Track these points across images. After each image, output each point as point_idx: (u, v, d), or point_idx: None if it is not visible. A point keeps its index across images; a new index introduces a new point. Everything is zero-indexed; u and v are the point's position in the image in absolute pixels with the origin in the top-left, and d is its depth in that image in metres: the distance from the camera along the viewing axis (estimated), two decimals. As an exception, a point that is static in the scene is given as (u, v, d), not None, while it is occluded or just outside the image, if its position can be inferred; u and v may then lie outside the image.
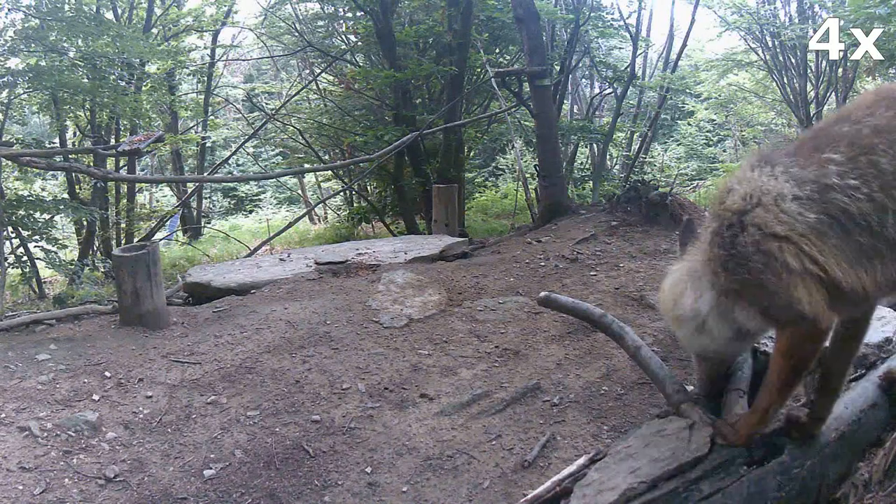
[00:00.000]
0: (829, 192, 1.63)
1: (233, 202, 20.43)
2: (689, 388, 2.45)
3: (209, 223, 15.71)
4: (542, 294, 3.03)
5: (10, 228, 7.05)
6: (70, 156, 7.67)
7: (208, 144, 16.85)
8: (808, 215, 1.63)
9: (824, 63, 12.16)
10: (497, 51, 11.95)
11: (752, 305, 1.74)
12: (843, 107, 1.89)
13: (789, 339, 1.73)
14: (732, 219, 1.72)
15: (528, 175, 10.81)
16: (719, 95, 16.34)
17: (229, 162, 16.49)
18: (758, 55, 13.28)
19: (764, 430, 1.91)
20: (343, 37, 12.77)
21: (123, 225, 11.42)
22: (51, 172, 11.15)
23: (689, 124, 18.90)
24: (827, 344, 1.93)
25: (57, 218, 8.33)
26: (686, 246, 2.12)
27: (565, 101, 13.26)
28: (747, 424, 1.90)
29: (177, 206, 13.48)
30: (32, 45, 7.52)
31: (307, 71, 14.03)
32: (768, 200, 1.67)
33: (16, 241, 7.91)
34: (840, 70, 11.86)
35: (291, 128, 13.25)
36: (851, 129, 1.66)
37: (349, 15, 12.01)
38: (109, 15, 11.10)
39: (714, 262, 1.77)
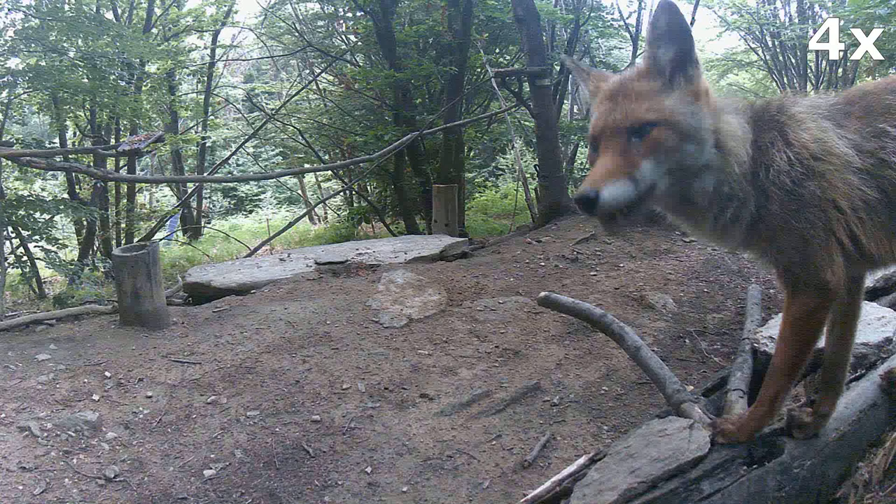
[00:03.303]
0: (885, 168, 1.61)
1: (233, 202, 20.43)
2: (689, 388, 2.45)
3: (209, 223, 15.70)
4: (542, 294, 3.04)
5: (10, 228, 7.04)
6: (70, 156, 7.67)
7: (208, 144, 16.84)
8: (868, 192, 1.61)
9: (824, 63, 12.16)
10: (497, 51, 11.94)
11: (781, 251, 1.67)
12: (890, 76, 1.84)
13: (802, 307, 1.70)
14: (807, 160, 1.62)
15: (528, 175, 10.80)
16: (719, 95, 16.33)
17: (229, 162, 16.47)
18: (758, 55, 13.29)
19: (771, 424, 1.89)
20: (343, 37, 12.76)
21: (123, 225, 11.41)
22: (51, 172, 11.15)
23: (689, 124, 18.87)
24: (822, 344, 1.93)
25: (57, 218, 8.32)
26: None
27: (565, 101, 13.24)
28: (755, 418, 1.88)
29: (177, 206, 13.47)
30: (32, 45, 7.52)
31: (307, 71, 14.02)
32: (838, 163, 1.62)
33: (16, 241, 7.90)
34: (840, 70, 11.87)
35: (291, 128, 13.24)
36: None
37: (349, 15, 12.01)
38: (109, 15, 11.10)
39: (774, 187, 1.65)
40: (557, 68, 10.44)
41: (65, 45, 7.81)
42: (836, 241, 1.63)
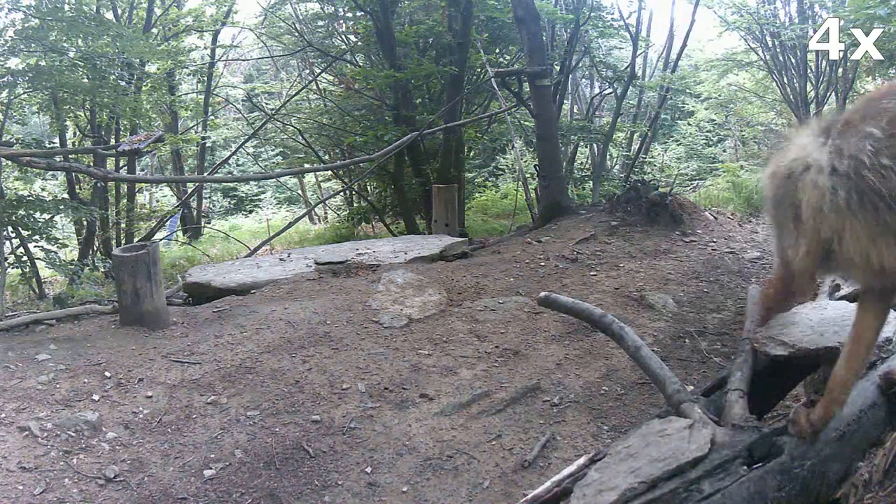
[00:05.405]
0: (863, 169, 1.63)
1: (233, 202, 20.43)
2: (689, 387, 2.45)
3: (209, 223, 15.70)
4: (542, 294, 3.03)
5: (10, 228, 7.03)
6: (70, 156, 7.66)
7: (208, 144, 16.84)
8: (840, 192, 1.65)
9: (824, 63, 12.15)
10: (497, 51, 11.95)
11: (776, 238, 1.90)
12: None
13: (771, 278, 1.99)
14: (784, 177, 1.81)
15: (528, 175, 10.81)
16: (719, 95, 16.33)
17: (229, 162, 16.48)
18: (758, 55, 13.27)
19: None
20: (343, 37, 12.77)
21: (123, 225, 11.41)
22: (51, 172, 11.14)
23: (689, 124, 18.88)
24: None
25: (57, 218, 8.32)
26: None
27: (565, 101, 13.24)
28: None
29: (177, 206, 13.47)
30: (32, 45, 7.50)
31: (307, 71, 14.03)
32: (813, 174, 1.72)
33: (16, 241, 7.89)
34: (840, 70, 11.86)
35: (291, 128, 13.25)
36: (894, 105, 1.65)
37: (349, 15, 12.01)
38: (109, 15, 11.10)
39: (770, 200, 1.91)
40: (557, 68, 10.45)
41: (65, 45, 7.80)
42: (810, 241, 1.73)
